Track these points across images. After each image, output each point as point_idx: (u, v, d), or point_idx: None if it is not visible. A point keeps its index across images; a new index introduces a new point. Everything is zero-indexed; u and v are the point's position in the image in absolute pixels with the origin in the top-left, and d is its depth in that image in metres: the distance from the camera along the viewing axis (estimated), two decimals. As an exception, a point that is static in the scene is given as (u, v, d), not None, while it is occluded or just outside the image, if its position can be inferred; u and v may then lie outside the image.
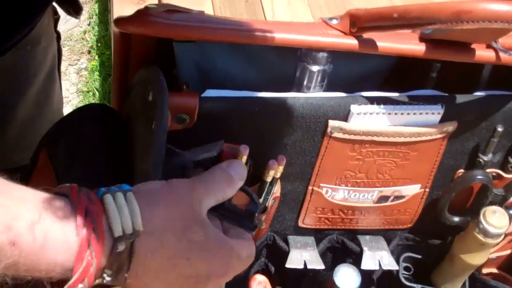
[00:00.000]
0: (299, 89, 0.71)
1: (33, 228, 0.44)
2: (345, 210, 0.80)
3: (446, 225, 0.82)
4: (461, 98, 0.72)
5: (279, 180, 0.73)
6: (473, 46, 0.68)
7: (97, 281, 0.48)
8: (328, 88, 0.71)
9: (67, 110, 0.88)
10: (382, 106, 0.69)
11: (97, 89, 2.31)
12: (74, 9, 0.84)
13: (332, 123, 0.70)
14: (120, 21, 0.64)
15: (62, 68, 2.33)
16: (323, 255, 0.83)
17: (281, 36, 0.64)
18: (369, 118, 0.70)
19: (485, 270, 0.89)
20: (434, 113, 0.71)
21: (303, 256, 0.81)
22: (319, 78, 0.70)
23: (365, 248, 0.83)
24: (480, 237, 0.77)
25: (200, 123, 0.66)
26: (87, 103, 2.20)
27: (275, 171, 0.69)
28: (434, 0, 0.70)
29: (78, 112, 0.76)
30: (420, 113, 0.70)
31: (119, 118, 0.75)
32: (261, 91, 0.68)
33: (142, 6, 0.63)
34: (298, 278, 0.84)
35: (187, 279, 0.52)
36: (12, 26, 0.72)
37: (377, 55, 0.67)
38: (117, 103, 0.79)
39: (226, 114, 0.67)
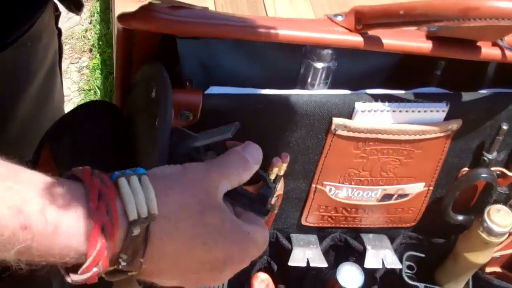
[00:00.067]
0: (303, 86, 0.71)
1: (44, 212, 0.43)
2: (348, 208, 0.80)
3: (450, 224, 0.82)
4: (466, 96, 0.72)
5: (282, 178, 0.73)
6: (478, 43, 0.67)
7: (112, 267, 0.48)
8: (333, 86, 0.71)
9: (68, 108, 0.87)
10: (386, 103, 0.69)
11: (98, 88, 2.31)
12: (75, 5, 0.84)
13: (336, 120, 0.69)
14: (123, 17, 0.63)
15: (64, 66, 2.33)
16: (326, 254, 0.83)
17: (285, 33, 0.64)
18: (374, 115, 0.69)
19: (488, 269, 0.88)
20: (439, 111, 0.71)
21: (306, 254, 0.81)
22: (323, 75, 0.69)
23: (368, 247, 0.82)
24: (484, 235, 0.77)
25: (204, 120, 0.66)
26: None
27: (279, 168, 0.69)
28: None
29: (81, 109, 0.75)
30: (425, 111, 0.70)
31: (122, 115, 0.75)
32: (265, 88, 0.68)
33: (143, 3, 0.63)
34: (300, 276, 0.84)
35: (203, 264, 0.51)
36: (12, 22, 0.71)
37: (382, 53, 0.67)
38: (120, 100, 0.78)
39: (229, 111, 0.67)
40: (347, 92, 0.70)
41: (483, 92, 0.73)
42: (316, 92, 0.70)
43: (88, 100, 2.23)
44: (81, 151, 0.71)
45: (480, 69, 0.75)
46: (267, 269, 0.85)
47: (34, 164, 0.74)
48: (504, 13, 0.53)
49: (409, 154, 0.74)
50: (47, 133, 0.74)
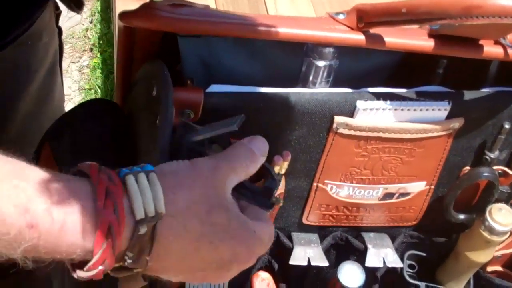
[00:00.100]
0: (304, 85, 0.71)
1: (50, 211, 0.43)
2: (349, 207, 0.80)
3: (451, 223, 0.81)
4: (468, 95, 0.71)
5: (283, 176, 0.73)
6: (481, 42, 0.67)
7: (118, 264, 0.47)
8: (334, 84, 0.71)
9: (68, 107, 0.87)
10: (388, 102, 0.69)
11: (99, 87, 2.31)
12: (76, 4, 0.84)
13: (337, 119, 0.69)
14: (124, 14, 0.63)
15: (64, 65, 2.32)
16: (327, 252, 0.83)
17: (287, 31, 0.64)
18: (375, 114, 0.69)
19: (489, 268, 0.88)
20: (441, 110, 0.70)
21: (307, 253, 0.81)
22: (325, 73, 0.69)
23: (369, 246, 0.82)
24: (485, 234, 0.77)
25: (205, 118, 0.65)
26: (89, 100, 2.19)
27: (280, 167, 0.69)
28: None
29: (81, 107, 0.75)
30: (427, 110, 0.70)
31: (123, 114, 0.75)
32: (266, 86, 0.68)
33: (145, 2, 0.63)
34: (301, 275, 0.84)
35: (209, 263, 0.51)
36: (12, 20, 0.71)
37: (384, 51, 0.67)
38: (121, 98, 0.78)
39: (231, 110, 0.66)
40: (349, 90, 0.70)
41: (485, 90, 0.73)
42: (317, 90, 0.69)
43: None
44: (82, 150, 0.70)
45: (483, 67, 0.74)
46: (268, 268, 0.85)
47: (34, 163, 0.74)
48: (507, 11, 0.53)
49: (410, 153, 0.74)
50: (48, 132, 0.74)
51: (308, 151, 0.73)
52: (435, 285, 0.85)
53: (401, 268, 0.84)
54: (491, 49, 0.67)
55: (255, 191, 0.56)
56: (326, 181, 0.76)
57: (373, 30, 0.65)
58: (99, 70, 2.35)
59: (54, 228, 0.43)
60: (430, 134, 0.72)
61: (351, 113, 0.69)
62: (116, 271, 0.49)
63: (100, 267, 0.45)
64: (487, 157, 0.76)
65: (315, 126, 0.70)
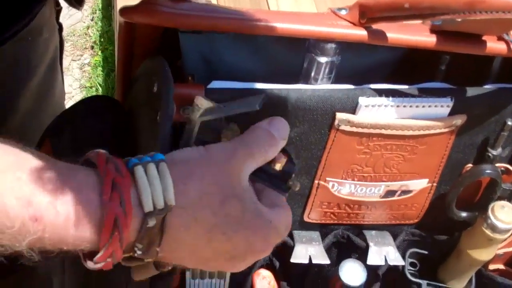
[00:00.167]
0: (306, 81, 0.70)
1: (55, 203, 0.42)
2: (351, 205, 0.79)
3: (454, 220, 0.81)
4: (470, 91, 0.71)
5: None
6: (484, 38, 0.67)
7: (128, 254, 0.47)
8: (336, 80, 0.70)
9: (69, 105, 0.87)
10: (390, 98, 0.68)
11: (100, 85, 2.30)
12: (76, 0, 0.84)
13: (339, 115, 0.69)
14: (125, 10, 0.63)
15: (65, 63, 2.32)
16: (328, 250, 0.82)
17: (289, 27, 0.63)
18: (377, 110, 0.69)
19: (491, 266, 0.88)
20: (443, 106, 0.70)
21: (308, 251, 0.80)
22: (327, 69, 0.69)
23: (371, 243, 0.82)
24: (488, 232, 0.77)
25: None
26: (90, 98, 2.19)
27: (281, 164, 0.68)
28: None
29: (82, 104, 0.75)
30: (429, 106, 0.69)
31: (123, 110, 0.74)
32: (267, 82, 0.67)
33: (145, 0, 0.63)
34: (303, 273, 0.83)
35: (223, 254, 0.50)
36: (12, 15, 0.71)
37: (386, 47, 0.66)
38: (121, 95, 0.78)
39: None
40: (351, 86, 0.69)
41: (488, 87, 0.72)
42: (319, 87, 0.69)
43: (89, 97, 2.22)
44: (82, 147, 0.70)
45: (486, 64, 0.74)
46: (269, 266, 0.85)
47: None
48: (510, 6, 0.53)
49: (412, 150, 0.73)
50: (48, 128, 0.74)
51: (310, 148, 0.72)
52: (437, 283, 0.85)
53: (403, 266, 0.84)
54: (494, 45, 0.67)
55: (272, 174, 0.54)
56: (327, 179, 0.76)
57: (375, 26, 0.65)
58: (100, 68, 2.35)
59: (59, 221, 0.42)
60: (432, 131, 0.71)
61: (353, 110, 0.69)
62: (127, 260, 0.48)
63: (108, 259, 0.45)
64: (490, 154, 0.76)
65: (317, 123, 0.70)
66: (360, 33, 0.64)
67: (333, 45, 0.67)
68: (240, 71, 0.70)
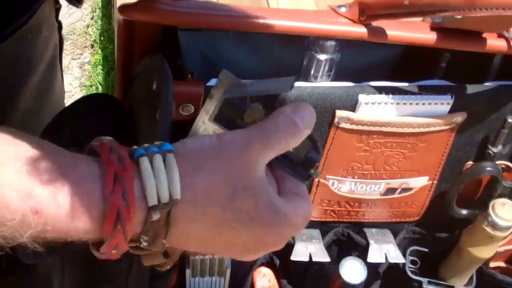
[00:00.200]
0: (306, 79, 0.70)
1: (55, 195, 0.41)
2: (351, 203, 0.79)
3: (454, 218, 0.81)
4: (471, 89, 0.71)
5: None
6: (484, 35, 0.67)
7: (135, 244, 0.46)
8: (336, 78, 0.70)
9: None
10: (390, 96, 0.68)
11: (100, 83, 2.30)
12: None
13: (339, 113, 0.69)
14: (124, 7, 0.63)
15: (65, 62, 2.31)
16: (328, 248, 0.82)
17: (288, 24, 0.63)
18: (377, 108, 0.69)
19: (492, 264, 0.88)
20: (444, 103, 0.70)
21: (308, 248, 0.80)
22: (326, 67, 0.69)
23: (371, 241, 0.82)
24: (488, 230, 0.76)
25: None
26: (90, 96, 2.19)
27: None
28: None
29: (81, 102, 0.75)
30: (429, 103, 0.69)
31: (123, 108, 0.74)
32: (267, 80, 0.67)
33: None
34: (303, 271, 0.83)
35: (233, 247, 0.48)
36: (11, 12, 0.71)
37: (386, 44, 0.66)
38: (121, 93, 0.78)
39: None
40: (351, 84, 0.69)
41: (488, 84, 0.72)
42: (319, 84, 0.69)
43: (89, 96, 2.22)
44: (82, 145, 0.70)
45: (486, 61, 0.74)
46: (269, 264, 0.85)
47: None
48: (510, 2, 0.52)
49: (413, 147, 0.73)
50: (48, 126, 0.74)
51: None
52: (438, 281, 0.85)
53: (403, 264, 0.84)
54: (494, 42, 0.67)
55: (294, 161, 0.50)
56: (327, 176, 0.76)
57: (375, 23, 0.65)
58: (100, 67, 2.35)
59: (60, 214, 0.41)
60: (432, 129, 0.71)
61: (353, 107, 0.69)
62: (134, 250, 0.47)
63: (113, 251, 0.44)
64: (490, 152, 0.75)
65: (317, 121, 0.69)
66: (360, 31, 0.64)
67: (333, 43, 0.67)
68: (239, 69, 0.69)
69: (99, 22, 2.50)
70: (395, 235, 0.84)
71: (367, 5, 0.63)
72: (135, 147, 0.46)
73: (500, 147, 0.75)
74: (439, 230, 0.86)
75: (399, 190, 0.78)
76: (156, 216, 0.43)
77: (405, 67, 0.74)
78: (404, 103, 0.69)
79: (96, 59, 2.38)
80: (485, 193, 0.80)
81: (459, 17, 0.62)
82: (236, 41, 0.69)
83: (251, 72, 0.69)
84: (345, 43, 0.67)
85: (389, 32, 0.65)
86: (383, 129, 0.70)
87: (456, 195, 0.78)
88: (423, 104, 0.69)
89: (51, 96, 0.92)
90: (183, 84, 0.64)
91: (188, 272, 0.76)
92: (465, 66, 0.73)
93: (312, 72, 0.69)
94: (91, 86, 2.30)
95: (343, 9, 0.65)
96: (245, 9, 0.64)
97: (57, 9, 0.88)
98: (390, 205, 0.80)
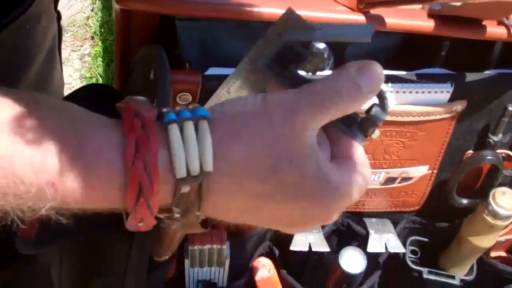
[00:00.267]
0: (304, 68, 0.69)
1: (71, 167, 0.37)
2: (351, 192, 0.79)
3: (454, 208, 0.81)
4: (471, 77, 0.70)
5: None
6: (484, 22, 0.66)
7: (168, 214, 0.42)
8: (335, 67, 0.69)
9: (69, 96, 0.86)
10: (389, 84, 0.68)
11: (100, 75, 2.30)
12: None
13: (338, 102, 0.68)
14: (121, -3, 0.62)
15: (65, 54, 2.30)
16: (328, 238, 0.82)
17: (286, 12, 0.62)
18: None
19: (493, 254, 0.87)
20: (443, 92, 0.69)
21: (307, 238, 0.80)
22: (325, 56, 0.68)
23: (371, 231, 0.82)
24: (489, 219, 0.76)
25: (203, 103, 0.64)
26: (90, 88, 2.18)
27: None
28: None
29: (83, 91, 0.74)
30: (429, 92, 0.69)
31: (122, 98, 0.74)
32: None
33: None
34: (302, 261, 0.83)
35: (277, 220, 0.43)
36: (9, 0, 0.70)
37: (385, 32, 0.66)
38: (119, 83, 0.77)
39: None
40: (350, 73, 0.68)
41: (488, 72, 0.72)
42: (318, 73, 0.68)
43: (90, 88, 2.22)
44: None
45: (486, 49, 0.73)
46: (269, 254, 0.84)
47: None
48: (510, -12, 0.52)
49: (412, 136, 0.73)
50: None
51: (309, 135, 0.72)
52: (438, 271, 0.84)
53: (404, 254, 0.84)
54: (494, 30, 0.66)
55: (352, 118, 0.43)
56: (327, 166, 0.75)
57: (373, 11, 0.64)
58: (100, 59, 2.34)
59: (78, 186, 0.38)
60: (432, 117, 0.71)
61: (352, 96, 0.68)
62: (169, 220, 0.43)
63: (139, 224, 0.40)
64: (491, 140, 0.75)
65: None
66: (358, 19, 0.64)
67: (332, 31, 0.67)
68: (237, 58, 0.69)
69: (99, 13, 2.49)
70: (395, 224, 0.84)
71: (366, -8, 0.62)
72: (165, 109, 0.41)
73: (500, 135, 0.75)
74: (439, 219, 0.85)
75: (399, 179, 0.78)
76: (185, 189, 0.39)
77: (405, 55, 0.73)
78: (404, 92, 0.68)
79: (96, 51, 2.37)
80: (486, 182, 0.79)
81: (458, 4, 0.61)
82: (234, 30, 0.68)
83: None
84: (343, 32, 0.67)
85: (388, 20, 0.64)
86: (383, 118, 0.70)
87: (456, 184, 0.78)
88: (423, 92, 0.69)
89: (50, 86, 0.92)
90: (181, 73, 0.64)
91: (187, 262, 0.75)
92: (465, 54, 0.73)
93: (310, 61, 0.69)
94: (91, 78, 2.29)
95: (341, -3, 0.65)
96: (242, -2, 0.63)
97: (56, -1, 0.87)
98: (390, 195, 0.80)
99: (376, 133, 0.45)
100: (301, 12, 0.62)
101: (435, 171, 0.78)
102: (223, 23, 0.67)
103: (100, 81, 2.25)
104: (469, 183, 0.80)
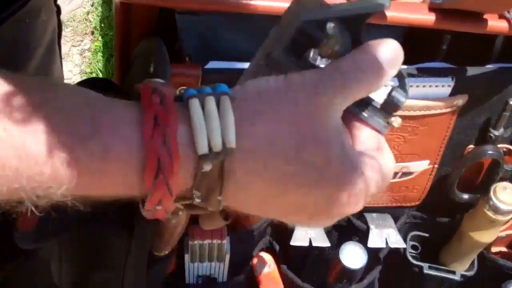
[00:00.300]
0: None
1: (87, 144, 0.36)
2: (351, 187, 0.79)
3: (455, 202, 0.80)
4: (472, 71, 0.70)
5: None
6: (485, 16, 0.66)
7: (188, 202, 0.41)
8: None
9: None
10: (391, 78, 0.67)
11: (100, 70, 2.30)
12: None
13: (339, 96, 0.68)
14: (120, -11, 0.62)
15: (65, 49, 2.30)
16: (328, 233, 0.82)
17: (285, 6, 0.62)
18: (377, 90, 0.68)
19: (494, 249, 0.87)
20: (444, 86, 0.69)
21: (308, 233, 0.80)
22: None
23: (371, 226, 0.81)
24: (490, 214, 0.76)
25: None
26: (91, 84, 2.18)
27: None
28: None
29: (81, 85, 0.74)
30: (430, 86, 0.69)
31: (122, 92, 0.74)
32: (265, 63, 0.66)
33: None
34: (303, 256, 0.83)
35: (301, 209, 0.41)
36: None
37: (385, 26, 0.65)
38: (119, 77, 0.77)
39: (230, 86, 0.65)
40: (350, 67, 0.68)
41: (489, 66, 0.71)
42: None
43: (90, 83, 2.22)
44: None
45: (488, 43, 0.73)
46: (269, 249, 0.84)
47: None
48: (512, -19, 0.52)
49: (413, 131, 0.72)
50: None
51: (309, 129, 0.71)
52: (439, 266, 0.84)
53: (404, 249, 0.84)
54: (495, 23, 0.65)
55: (371, 105, 0.42)
56: (327, 160, 0.75)
57: (374, 4, 0.64)
58: (100, 54, 2.34)
59: (94, 163, 0.36)
60: (433, 111, 0.70)
61: (352, 90, 0.68)
62: (188, 208, 0.42)
63: (158, 208, 0.39)
64: (492, 135, 0.75)
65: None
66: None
67: (332, 25, 0.66)
68: (237, 52, 0.69)
69: (100, 8, 2.48)
70: (395, 219, 0.84)
71: (367, -15, 0.62)
72: (184, 88, 0.40)
73: (501, 130, 0.75)
74: (440, 214, 0.85)
75: (399, 174, 0.77)
76: (207, 167, 0.37)
77: (406, 49, 0.72)
78: (405, 86, 0.68)
79: (96, 46, 2.37)
80: (487, 177, 0.79)
81: (460, -3, 0.61)
82: (234, 24, 0.68)
83: (248, 55, 0.68)
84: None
85: (388, 13, 0.64)
86: (383, 112, 0.69)
87: (457, 179, 0.78)
88: (424, 86, 0.69)
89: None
90: (181, 67, 0.63)
91: (187, 257, 0.75)
92: (467, 48, 0.72)
93: (311, 55, 0.68)
94: (91, 73, 2.29)
95: (342, -10, 0.64)
96: (242, -9, 0.63)
97: (56, -7, 0.87)
98: (390, 190, 0.80)
99: (398, 120, 0.44)
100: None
101: (436, 165, 0.78)
102: (223, 16, 0.67)
103: (100, 76, 2.25)
104: (470, 178, 0.80)
